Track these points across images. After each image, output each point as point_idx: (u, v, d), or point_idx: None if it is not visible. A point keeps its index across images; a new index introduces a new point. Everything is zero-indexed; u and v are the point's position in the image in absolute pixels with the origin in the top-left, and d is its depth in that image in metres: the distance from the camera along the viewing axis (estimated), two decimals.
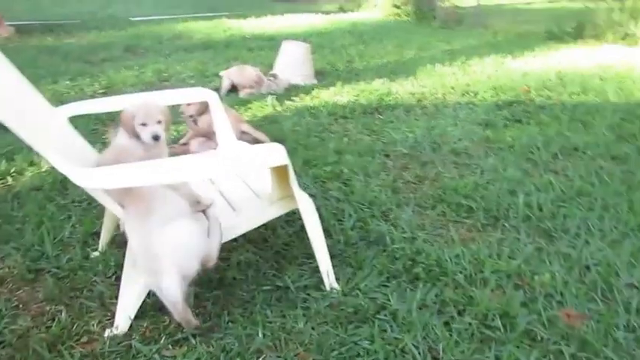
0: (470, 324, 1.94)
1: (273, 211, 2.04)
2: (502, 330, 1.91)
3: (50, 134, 1.81)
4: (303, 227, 2.51)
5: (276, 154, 1.76)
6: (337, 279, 2.16)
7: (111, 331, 1.88)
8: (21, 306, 2.04)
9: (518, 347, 1.83)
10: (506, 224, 2.63)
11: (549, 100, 4.74)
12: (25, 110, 1.77)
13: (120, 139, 2.05)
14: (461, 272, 2.22)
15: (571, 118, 4.24)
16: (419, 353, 1.79)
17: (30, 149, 3.26)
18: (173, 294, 1.74)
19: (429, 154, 3.50)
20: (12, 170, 3.12)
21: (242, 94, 4.93)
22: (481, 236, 2.54)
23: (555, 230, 2.57)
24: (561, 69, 5.98)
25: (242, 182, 2.22)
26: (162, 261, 1.74)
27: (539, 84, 5.30)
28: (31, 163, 3.23)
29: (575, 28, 8.33)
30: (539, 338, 1.89)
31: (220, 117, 2.50)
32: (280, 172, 1.88)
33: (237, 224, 1.97)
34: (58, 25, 8.52)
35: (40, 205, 2.71)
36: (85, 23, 8.87)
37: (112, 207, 1.83)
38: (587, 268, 2.28)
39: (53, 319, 1.96)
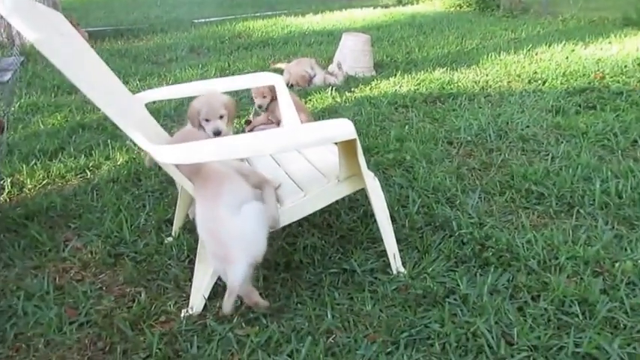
0: (545, 309, 1.88)
1: (340, 190, 2.04)
2: (581, 317, 1.84)
3: (132, 116, 1.91)
4: (366, 213, 2.54)
5: (345, 128, 1.76)
6: (403, 263, 2.15)
7: (187, 311, 1.96)
8: (104, 288, 2.16)
9: (599, 334, 1.75)
10: (581, 211, 2.52)
11: (627, 86, 4.45)
12: (112, 96, 1.89)
13: (189, 126, 2.15)
14: (534, 258, 2.15)
15: None
16: (492, 337, 1.75)
17: (106, 145, 3.52)
18: (237, 279, 1.73)
19: (495, 142, 3.40)
20: (90, 165, 3.30)
21: (295, 85, 4.96)
22: (554, 223, 2.45)
23: (637, 218, 2.44)
24: None
25: (308, 163, 2.23)
26: (231, 248, 1.75)
27: (615, 70, 4.99)
28: (107, 158, 3.41)
29: None
30: (621, 326, 1.80)
31: (286, 99, 2.54)
32: (348, 149, 1.88)
33: (305, 204, 1.98)
34: (127, 29, 8.92)
35: (117, 196, 2.86)
36: (152, 27, 9.23)
37: (186, 185, 1.89)
38: None
39: (133, 300, 2.06)
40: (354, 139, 1.80)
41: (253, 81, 2.64)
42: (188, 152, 1.65)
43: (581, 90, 4.39)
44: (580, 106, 4.02)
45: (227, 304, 1.76)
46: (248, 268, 1.75)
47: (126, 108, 1.98)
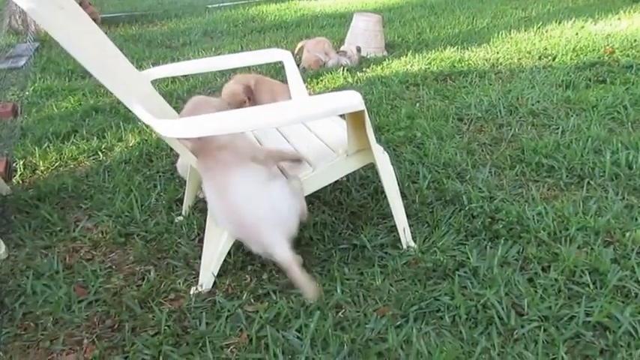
0: (556, 280, 1.86)
1: (349, 165, 2.02)
2: (591, 286, 1.83)
3: (137, 92, 1.90)
4: (377, 190, 2.53)
5: (353, 99, 1.74)
6: (413, 238, 2.14)
7: (196, 289, 1.97)
8: (114, 267, 2.17)
9: (610, 303, 1.73)
10: (591, 182, 2.49)
11: (636, 60, 4.37)
12: (117, 73, 1.88)
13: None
14: (544, 229, 2.13)
15: None
16: (502, 308, 1.75)
17: (118, 127, 3.53)
18: (285, 256, 1.75)
19: (506, 117, 3.36)
20: (103, 147, 3.32)
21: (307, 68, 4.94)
22: (564, 195, 2.42)
23: None
24: None
25: (316, 138, 2.22)
26: (263, 231, 1.75)
27: (624, 45, 4.90)
28: (120, 140, 3.42)
29: None
30: (633, 294, 1.79)
31: (294, 75, 2.52)
32: (356, 121, 1.86)
33: (314, 179, 1.97)
34: (142, 15, 8.91)
35: (128, 176, 2.87)
36: (166, 12, 9.19)
37: (194, 162, 1.89)
38: None
39: (143, 278, 2.08)
40: (362, 111, 1.78)
41: (263, 57, 2.62)
42: (191, 126, 1.63)
43: (591, 64, 4.32)
44: (590, 80, 3.95)
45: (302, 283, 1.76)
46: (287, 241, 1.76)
47: (131, 84, 1.97)
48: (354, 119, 1.87)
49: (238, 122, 1.66)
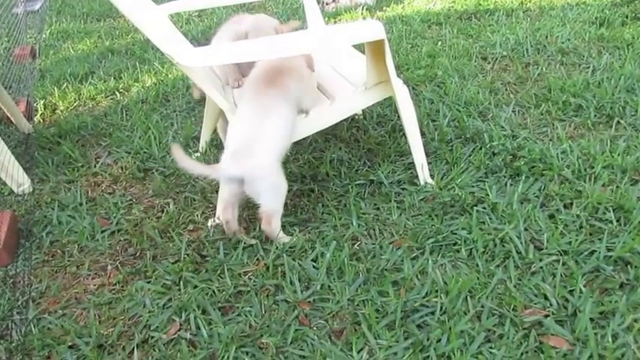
0: (578, 216, 1.82)
1: (367, 98, 1.97)
2: (615, 223, 1.78)
3: (154, 23, 1.87)
4: (394, 128, 2.48)
5: (374, 27, 1.67)
6: (431, 175, 2.11)
7: (213, 221, 1.99)
8: (134, 200, 2.21)
9: (633, 239, 1.69)
10: (621, 122, 2.39)
11: None
12: (136, 4, 1.84)
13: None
14: (568, 167, 2.07)
15: None
16: (521, 243, 1.72)
17: (135, 68, 3.51)
18: None
19: (533, 56, 3.22)
20: (120, 87, 3.32)
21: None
22: (592, 134, 2.34)
23: None
24: None
25: (334, 71, 2.16)
26: None
27: None
28: (136, 80, 3.41)
29: None
30: None
31: (312, 5, 2.45)
32: (376, 52, 1.80)
33: (332, 112, 1.93)
34: None
35: (145, 115, 2.87)
36: None
37: (216, 97, 1.86)
38: None
39: (162, 211, 2.12)
40: (382, 40, 1.71)
41: None
42: (214, 54, 1.60)
43: (629, 0, 4.07)
44: (627, 17, 3.73)
45: None
46: None
47: (149, 16, 1.93)
48: (374, 49, 1.80)
49: (256, 50, 1.62)
